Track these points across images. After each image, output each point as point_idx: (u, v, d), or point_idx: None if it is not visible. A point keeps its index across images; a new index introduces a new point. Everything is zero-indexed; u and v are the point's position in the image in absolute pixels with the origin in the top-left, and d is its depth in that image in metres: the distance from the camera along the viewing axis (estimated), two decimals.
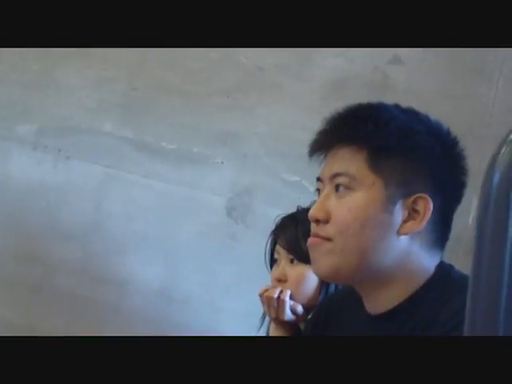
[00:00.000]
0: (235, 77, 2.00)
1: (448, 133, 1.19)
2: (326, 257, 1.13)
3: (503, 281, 0.65)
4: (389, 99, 1.25)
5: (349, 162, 1.14)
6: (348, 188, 1.13)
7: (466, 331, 0.66)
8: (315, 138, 1.21)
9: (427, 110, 1.21)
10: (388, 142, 1.13)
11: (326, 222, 1.14)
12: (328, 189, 1.16)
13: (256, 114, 1.99)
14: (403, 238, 1.12)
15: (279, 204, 1.89)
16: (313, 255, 1.16)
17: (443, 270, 1.15)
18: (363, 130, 1.15)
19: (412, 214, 1.12)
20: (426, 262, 1.14)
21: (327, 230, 1.13)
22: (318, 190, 1.19)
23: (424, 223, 1.12)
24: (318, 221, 1.15)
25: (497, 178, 0.65)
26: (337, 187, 1.15)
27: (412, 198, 1.12)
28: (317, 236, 1.15)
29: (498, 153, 0.65)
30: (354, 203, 1.12)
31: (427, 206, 1.12)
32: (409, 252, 1.13)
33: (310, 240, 1.16)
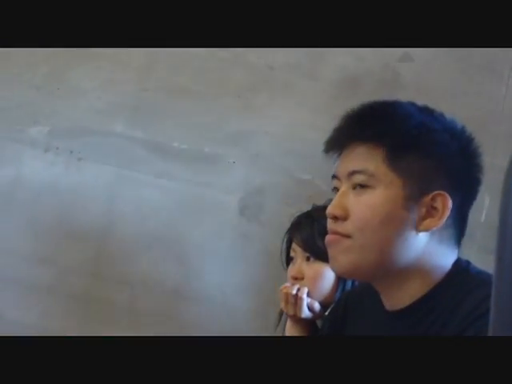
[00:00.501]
0: (246, 76, 2.01)
1: (463, 130, 1.19)
2: (345, 254, 1.14)
3: None
4: (399, 97, 1.24)
5: (366, 159, 1.14)
6: (366, 185, 1.14)
7: (490, 331, 0.66)
8: (331, 136, 1.21)
9: (438, 108, 1.21)
10: (405, 140, 1.14)
11: (344, 219, 1.14)
12: (345, 186, 1.16)
13: (267, 114, 2.00)
14: (422, 235, 1.12)
15: (291, 202, 1.90)
16: (331, 252, 1.17)
17: (461, 266, 1.15)
18: (380, 128, 1.15)
19: (430, 211, 1.12)
20: (444, 258, 1.15)
21: (346, 226, 1.14)
22: (335, 188, 1.20)
23: (443, 220, 1.12)
24: (335, 218, 1.15)
25: None
26: (354, 185, 1.15)
27: (430, 196, 1.12)
28: (335, 233, 1.15)
29: None
30: (372, 200, 1.13)
31: (446, 204, 1.12)
32: (427, 249, 1.13)
33: (329, 237, 1.17)
